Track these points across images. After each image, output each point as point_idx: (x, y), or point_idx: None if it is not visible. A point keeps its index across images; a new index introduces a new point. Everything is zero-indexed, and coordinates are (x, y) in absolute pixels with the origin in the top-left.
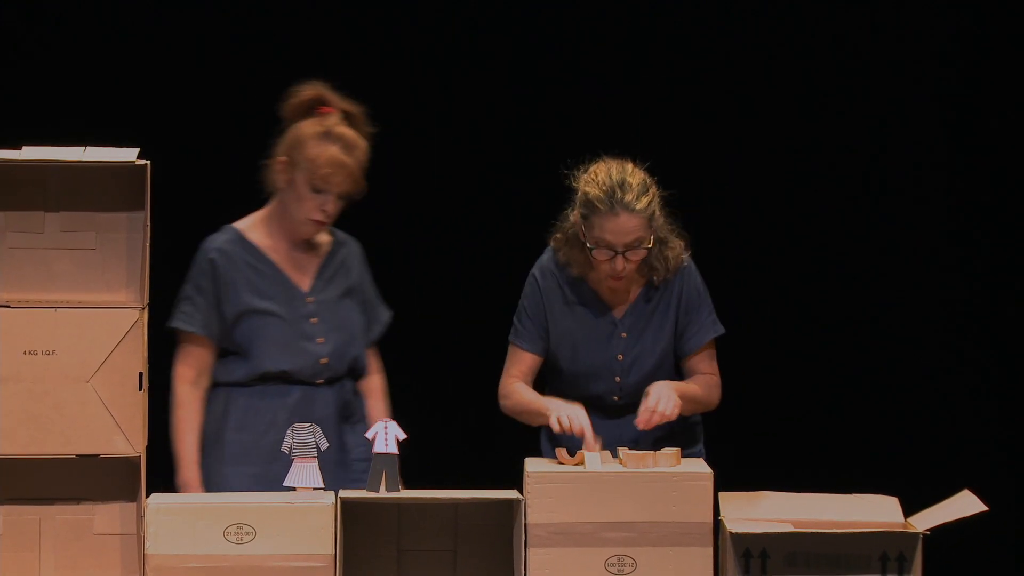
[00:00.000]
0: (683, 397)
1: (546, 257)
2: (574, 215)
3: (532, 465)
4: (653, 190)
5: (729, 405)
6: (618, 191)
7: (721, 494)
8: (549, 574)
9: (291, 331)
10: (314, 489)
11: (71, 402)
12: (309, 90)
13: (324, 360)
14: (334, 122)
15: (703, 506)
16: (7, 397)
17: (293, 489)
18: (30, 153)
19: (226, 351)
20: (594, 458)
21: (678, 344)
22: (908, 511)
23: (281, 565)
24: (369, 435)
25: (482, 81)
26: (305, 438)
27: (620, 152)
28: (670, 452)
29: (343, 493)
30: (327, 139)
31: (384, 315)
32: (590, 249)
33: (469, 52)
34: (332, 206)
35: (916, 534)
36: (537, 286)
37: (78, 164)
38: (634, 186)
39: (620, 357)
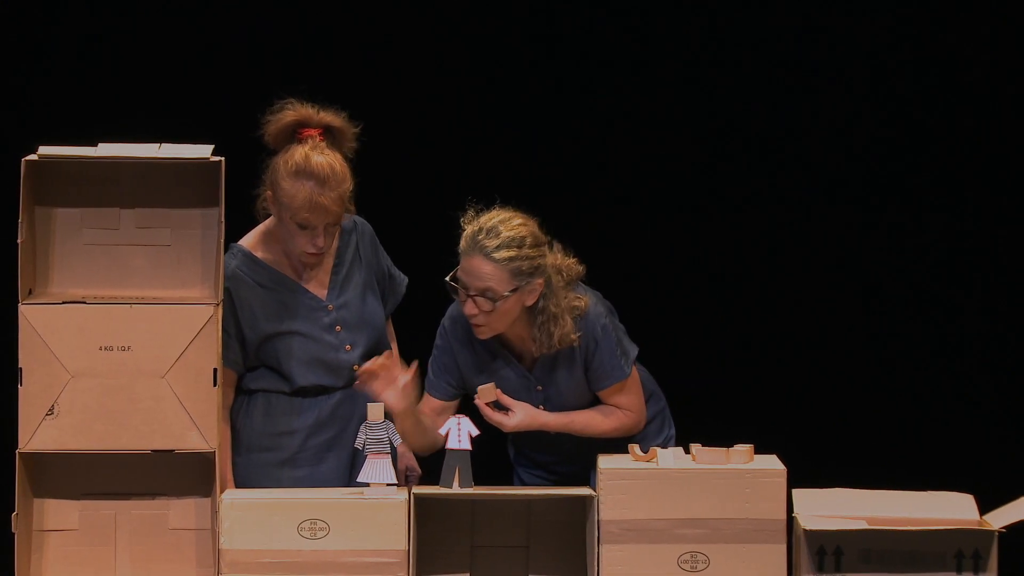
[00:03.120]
0: (548, 427)
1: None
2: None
3: (605, 462)
4: (529, 252)
5: (800, 402)
6: (482, 234)
7: (794, 491)
8: (622, 570)
9: (317, 346)
10: (387, 485)
11: (146, 397)
12: (289, 114)
13: (356, 366)
14: (310, 151)
15: (777, 503)
16: (83, 392)
17: (366, 484)
18: (106, 150)
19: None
20: (667, 455)
21: (589, 384)
22: (984, 508)
23: (354, 561)
24: (442, 431)
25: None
26: (379, 434)
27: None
28: (743, 448)
29: (416, 489)
30: (301, 176)
31: (400, 286)
32: (450, 284)
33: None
34: (322, 239)
35: (992, 532)
36: (447, 337)
37: (153, 161)
38: (503, 236)
39: (541, 407)
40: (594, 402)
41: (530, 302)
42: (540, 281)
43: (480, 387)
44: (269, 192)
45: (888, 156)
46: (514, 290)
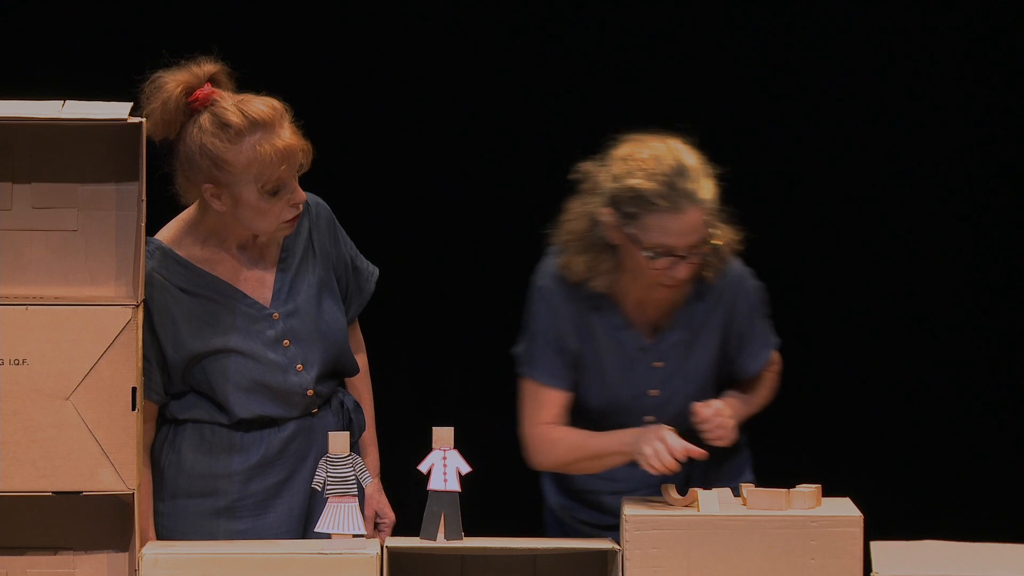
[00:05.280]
0: (739, 416)
1: (552, 264)
2: (606, 215)
3: (631, 507)
4: (710, 169)
5: (877, 432)
6: (679, 180)
7: (873, 543)
8: None
9: (259, 367)
10: (354, 536)
11: (46, 425)
12: (170, 87)
13: (311, 392)
14: (227, 107)
15: (851, 558)
16: None
17: (328, 536)
18: None
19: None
20: (710, 497)
21: (729, 368)
22: None
23: None
24: (423, 467)
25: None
26: (343, 471)
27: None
28: (808, 490)
29: (390, 542)
30: (246, 134)
31: (369, 281)
32: (651, 257)
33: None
34: (300, 192)
35: None
36: (548, 303)
37: (54, 123)
38: (695, 170)
39: (654, 392)
40: (713, 392)
41: None
42: None
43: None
44: (208, 185)
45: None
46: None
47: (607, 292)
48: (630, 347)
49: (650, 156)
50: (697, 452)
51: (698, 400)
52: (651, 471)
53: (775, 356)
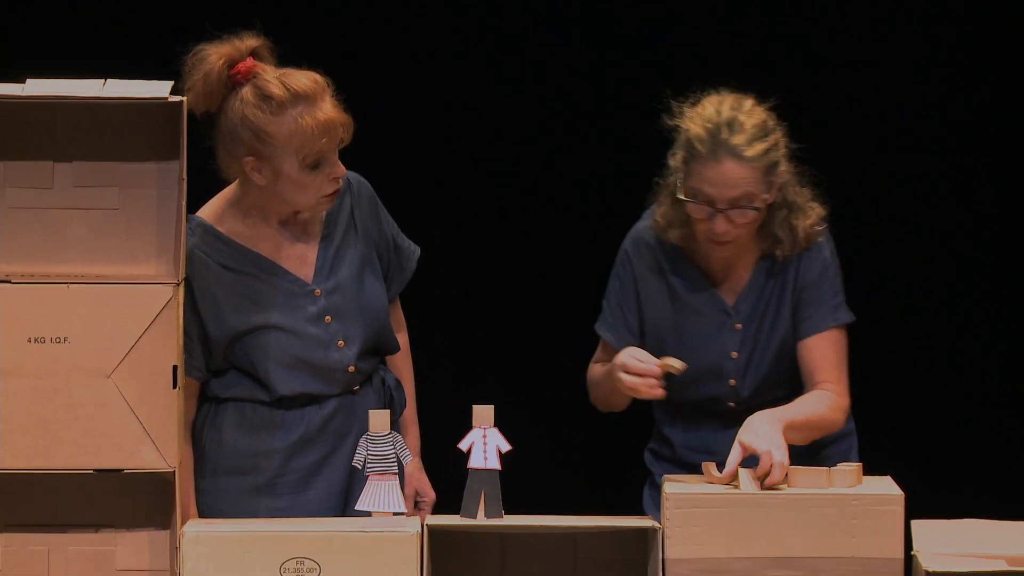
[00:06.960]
0: (791, 430)
1: (643, 226)
2: (675, 160)
3: (672, 485)
4: (776, 137)
5: (918, 409)
6: (724, 131)
7: (914, 522)
8: None
9: (301, 344)
10: (394, 514)
11: (87, 403)
12: (212, 60)
13: (351, 368)
14: (269, 80)
15: (892, 537)
16: (7, 396)
17: (368, 514)
18: (35, 88)
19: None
20: (750, 476)
21: (794, 331)
22: None
23: None
24: (463, 446)
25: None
26: (383, 449)
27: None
28: (849, 468)
29: (431, 520)
30: (288, 107)
31: (410, 259)
32: (684, 202)
33: None
34: (340, 166)
35: None
36: (629, 264)
37: (96, 101)
38: (747, 127)
39: (735, 355)
40: (785, 367)
41: (773, 197)
42: (783, 168)
43: (670, 360)
44: (249, 158)
45: None
46: (771, 189)
47: (689, 254)
48: (712, 309)
49: (713, 106)
50: (677, 365)
51: (778, 365)
52: (628, 390)
53: (837, 372)
